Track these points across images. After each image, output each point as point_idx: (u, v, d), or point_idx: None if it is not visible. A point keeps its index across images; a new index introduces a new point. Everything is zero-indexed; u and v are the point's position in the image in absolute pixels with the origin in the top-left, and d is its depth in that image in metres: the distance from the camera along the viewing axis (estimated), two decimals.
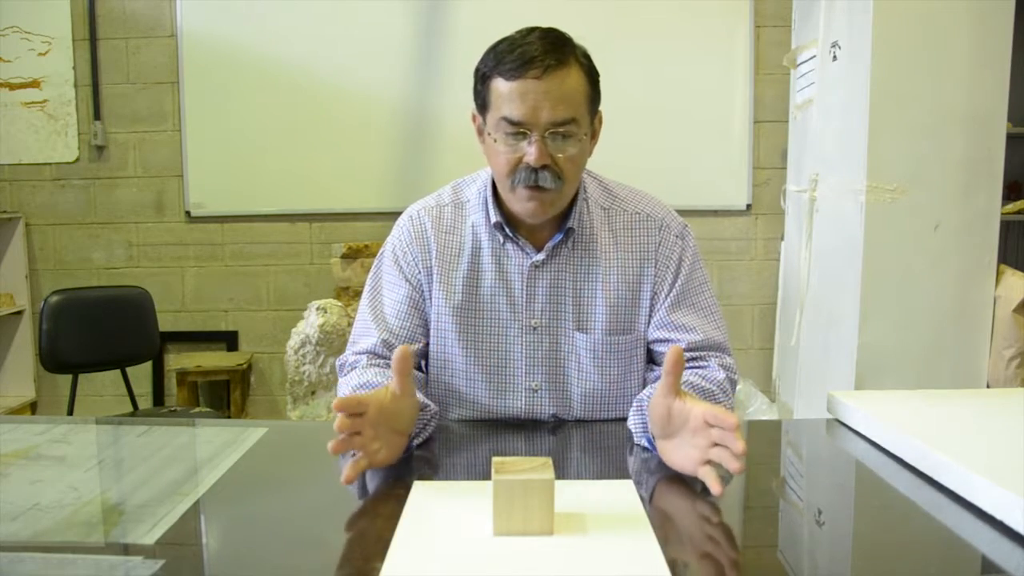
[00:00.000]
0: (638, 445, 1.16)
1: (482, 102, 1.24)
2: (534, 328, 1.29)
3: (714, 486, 0.91)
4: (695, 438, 0.97)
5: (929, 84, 2.36)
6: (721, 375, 1.25)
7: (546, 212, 1.24)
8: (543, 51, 1.17)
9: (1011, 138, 2.57)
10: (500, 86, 1.19)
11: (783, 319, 3.34)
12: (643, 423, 1.14)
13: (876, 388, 2.39)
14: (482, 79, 1.23)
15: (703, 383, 1.20)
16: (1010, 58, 2.39)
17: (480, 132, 1.27)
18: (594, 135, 1.28)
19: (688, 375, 1.21)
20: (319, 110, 3.43)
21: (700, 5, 3.39)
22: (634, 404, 1.19)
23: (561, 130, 1.18)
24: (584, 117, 1.21)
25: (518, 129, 1.18)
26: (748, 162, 3.46)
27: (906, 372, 2.42)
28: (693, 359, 1.28)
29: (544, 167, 1.18)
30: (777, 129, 3.45)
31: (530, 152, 1.18)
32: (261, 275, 3.57)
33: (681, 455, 1.00)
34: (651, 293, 1.30)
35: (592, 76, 1.23)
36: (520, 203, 1.23)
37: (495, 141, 1.21)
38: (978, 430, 1.09)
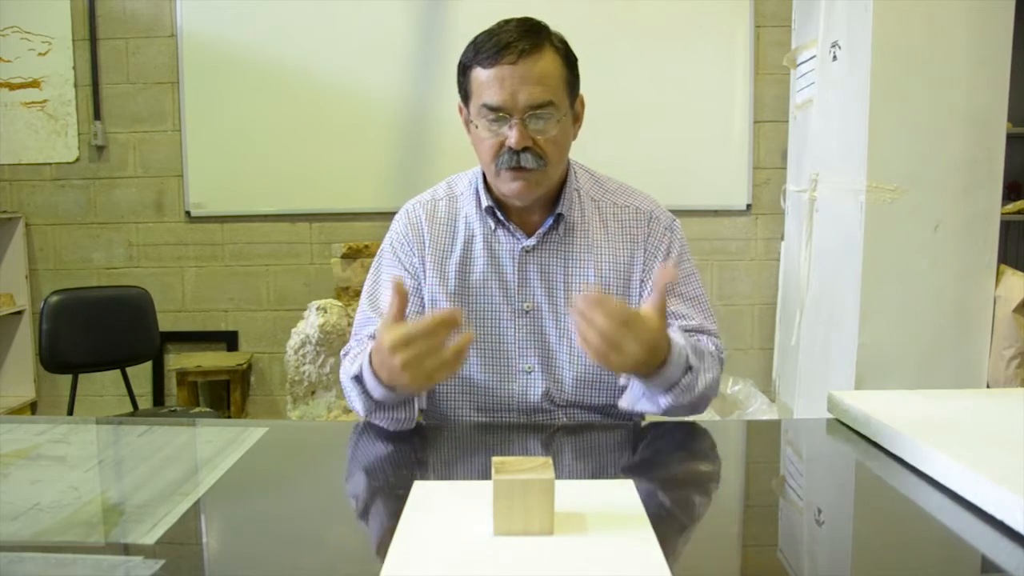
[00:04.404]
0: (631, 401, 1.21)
1: (465, 93, 1.29)
2: (526, 311, 1.33)
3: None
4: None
5: (929, 84, 2.36)
6: (711, 347, 1.28)
7: (532, 191, 1.27)
8: (518, 37, 1.22)
9: (1011, 138, 2.57)
10: (479, 75, 1.24)
11: (783, 319, 3.34)
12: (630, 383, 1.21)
13: (876, 388, 2.39)
14: (463, 70, 1.28)
15: (691, 340, 1.22)
16: (1010, 58, 2.39)
17: (466, 123, 1.32)
18: (577, 118, 1.32)
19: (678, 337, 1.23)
20: (319, 110, 3.43)
21: (700, 5, 3.39)
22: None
23: (539, 112, 1.22)
24: (562, 99, 1.25)
25: (498, 114, 1.22)
26: (748, 162, 3.46)
27: (906, 372, 2.42)
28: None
29: (525, 149, 1.23)
30: (777, 129, 3.45)
31: (511, 135, 1.22)
32: (261, 275, 3.57)
33: None
34: (640, 281, 1.34)
35: (569, 59, 1.28)
36: (505, 184, 1.27)
37: (477, 128, 1.26)
38: (978, 430, 1.09)
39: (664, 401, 1.16)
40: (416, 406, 1.22)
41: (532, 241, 1.32)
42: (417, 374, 1.04)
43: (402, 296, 1.07)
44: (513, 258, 1.33)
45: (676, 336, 1.16)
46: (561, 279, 1.33)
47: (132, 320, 2.71)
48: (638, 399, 1.20)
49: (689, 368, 1.16)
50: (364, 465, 1.15)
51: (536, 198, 1.30)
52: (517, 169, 1.24)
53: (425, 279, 1.35)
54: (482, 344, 1.33)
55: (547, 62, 1.23)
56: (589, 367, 1.33)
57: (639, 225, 1.36)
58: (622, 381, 1.24)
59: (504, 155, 1.24)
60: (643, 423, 1.38)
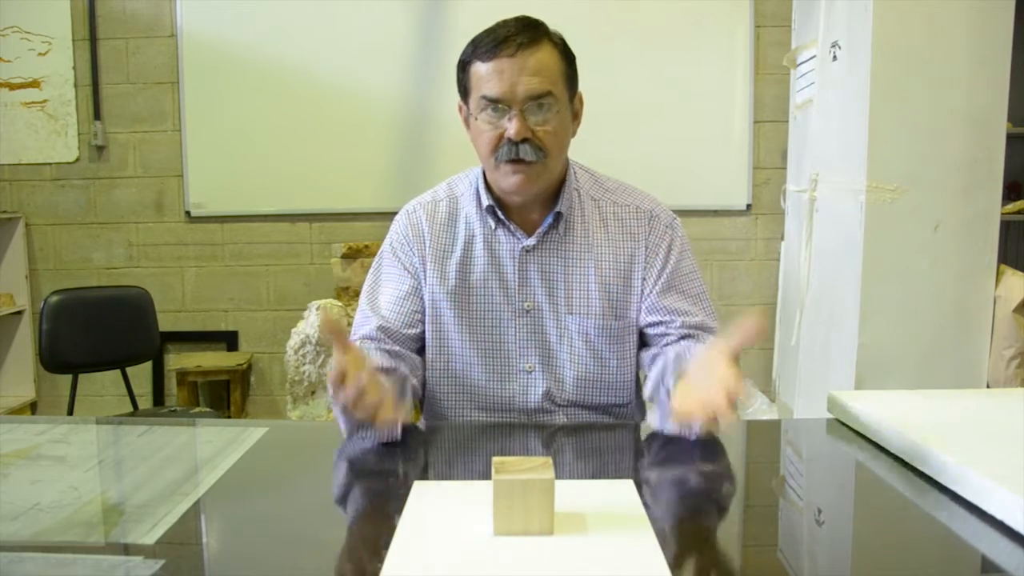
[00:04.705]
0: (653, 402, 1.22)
1: (464, 89, 1.30)
2: (527, 311, 1.33)
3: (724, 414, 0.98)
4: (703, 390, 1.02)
5: (929, 84, 2.36)
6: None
7: (531, 184, 1.26)
8: (516, 31, 1.23)
9: (1011, 138, 2.57)
10: (478, 69, 1.25)
11: (783, 319, 3.34)
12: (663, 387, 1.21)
13: (876, 388, 2.39)
14: (462, 67, 1.29)
15: None
16: (1010, 58, 2.38)
17: (466, 121, 1.32)
18: (576, 116, 1.32)
19: (695, 347, 1.22)
20: (319, 110, 3.43)
21: (700, 5, 3.39)
22: (654, 377, 1.23)
23: (538, 102, 1.22)
24: (561, 92, 1.26)
25: (497, 105, 1.23)
26: (748, 162, 3.46)
27: (906, 372, 2.42)
28: (688, 336, 1.31)
29: (525, 140, 1.23)
30: (777, 129, 3.45)
31: (510, 127, 1.22)
32: (261, 275, 3.56)
33: (683, 394, 1.07)
34: (641, 279, 1.34)
35: (567, 55, 1.28)
36: (504, 178, 1.26)
37: (477, 120, 1.26)
38: (978, 430, 1.09)
39: (698, 426, 1.12)
40: (399, 424, 1.20)
41: (532, 241, 1.32)
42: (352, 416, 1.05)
43: (333, 328, 1.07)
44: (513, 258, 1.33)
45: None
46: (561, 278, 1.33)
47: (132, 320, 2.71)
48: (666, 419, 1.17)
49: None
50: (364, 465, 1.15)
51: (535, 193, 1.29)
52: (516, 162, 1.24)
53: (426, 279, 1.35)
54: (483, 344, 1.33)
55: (545, 54, 1.23)
56: (591, 368, 1.33)
57: (639, 223, 1.35)
58: (647, 394, 1.23)
59: (503, 147, 1.24)
60: (643, 424, 1.38)
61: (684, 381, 1.10)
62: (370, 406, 1.02)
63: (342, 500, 0.98)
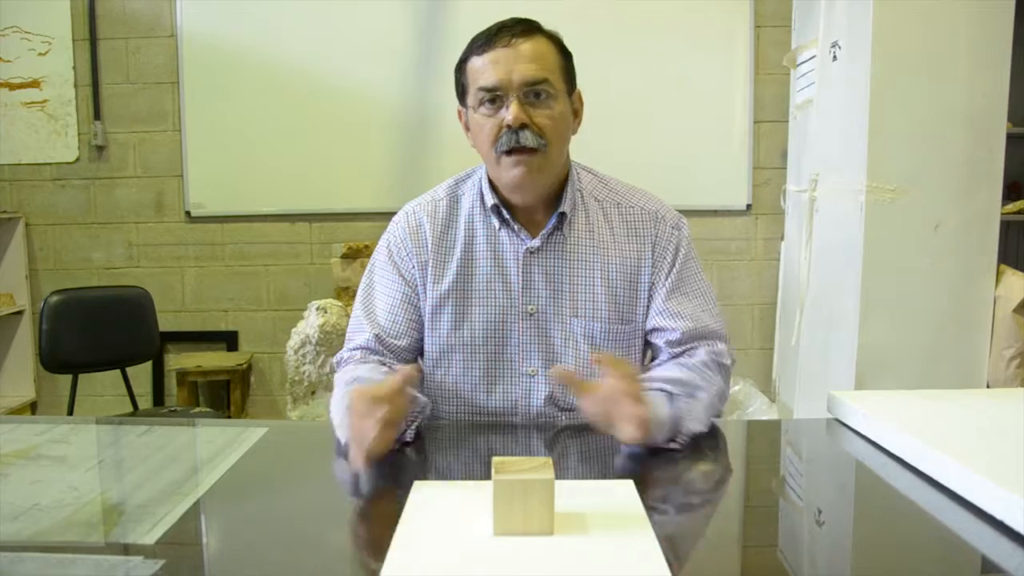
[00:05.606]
0: None
1: (462, 88, 1.30)
2: (530, 314, 1.31)
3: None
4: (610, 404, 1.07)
5: (929, 84, 2.36)
6: (701, 358, 1.26)
7: (534, 177, 1.25)
8: (511, 24, 1.24)
9: (1011, 138, 2.57)
10: (474, 63, 1.26)
11: (783, 319, 3.34)
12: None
13: (876, 388, 2.39)
14: (459, 67, 1.29)
15: (678, 373, 1.21)
16: (1010, 58, 2.39)
17: (466, 125, 1.31)
18: (576, 113, 1.32)
19: (671, 368, 1.22)
20: (319, 110, 3.43)
21: (700, 5, 3.39)
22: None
23: (535, 90, 1.22)
24: (558, 82, 1.26)
25: (494, 94, 1.23)
26: (748, 162, 3.46)
27: (906, 372, 2.42)
28: (685, 350, 1.30)
29: (524, 127, 1.22)
30: (777, 129, 3.45)
31: (507, 114, 1.22)
32: (261, 275, 3.56)
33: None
34: (649, 284, 1.32)
35: (563, 50, 1.29)
36: (507, 172, 1.25)
37: (476, 114, 1.26)
38: (978, 430, 1.09)
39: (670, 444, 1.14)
40: (420, 419, 1.20)
41: (536, 242, 1.30)
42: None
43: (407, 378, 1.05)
44: (517, 260, 1.31)
45: (657, 410, 1.12)
46: (566, 281, 1.31)
47: (132, 320, 2.71)
48: None
49: (674, 437, 1.13)
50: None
51: (538, 188, 1.28)
52: (518, 151, 1.22)
53: (425, 284, 1.32)
54: (484, 347, 1.31)
55: (540, 44, 1.24)
56: (594, 371, 1.30)
57: (646, 225, 1.34)
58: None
59: (503, 136, 1.23)
60: None
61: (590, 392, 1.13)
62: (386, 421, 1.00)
63: (342, 500, 0.98)
